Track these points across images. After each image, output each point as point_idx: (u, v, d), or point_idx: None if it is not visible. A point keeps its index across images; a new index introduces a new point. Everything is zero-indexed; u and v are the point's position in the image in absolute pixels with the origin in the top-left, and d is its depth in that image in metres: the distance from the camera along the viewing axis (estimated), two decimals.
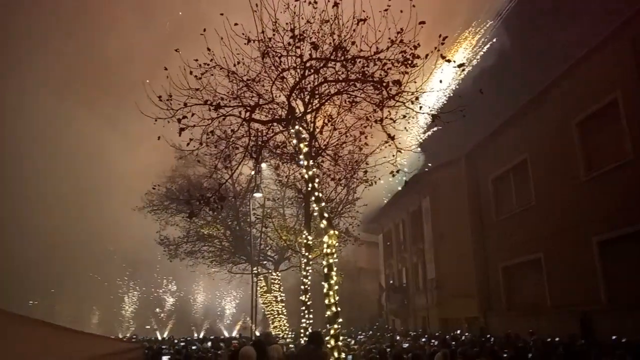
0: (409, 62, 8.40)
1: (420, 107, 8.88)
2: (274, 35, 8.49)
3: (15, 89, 30.89)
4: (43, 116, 32.35)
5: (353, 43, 8.56)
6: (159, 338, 32.80)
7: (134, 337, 28.88)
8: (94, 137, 33.16)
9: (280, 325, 22.72)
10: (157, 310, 45.02)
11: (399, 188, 28.90)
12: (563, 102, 16.17)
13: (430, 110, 9.57)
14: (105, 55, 31.09)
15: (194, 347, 17.15)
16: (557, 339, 12.48)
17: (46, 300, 38.97)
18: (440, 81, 9.47)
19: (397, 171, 9.84)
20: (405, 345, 14.85)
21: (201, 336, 31.52)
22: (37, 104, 32.08)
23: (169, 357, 12.15)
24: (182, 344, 19.62)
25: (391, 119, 9.15)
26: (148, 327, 43.53)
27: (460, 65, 9.91)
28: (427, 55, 8.23)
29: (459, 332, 19.15)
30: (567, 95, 15.99)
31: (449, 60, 8.62)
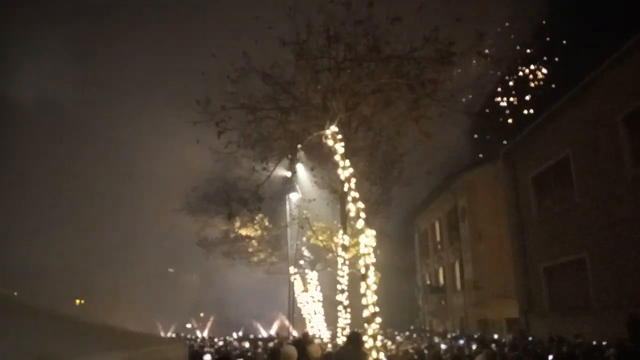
0: (445, 59, 8.31)
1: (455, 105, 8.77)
2: (308, 37, 8.57)
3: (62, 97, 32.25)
4: (91, 119, 33.66)
5: (387, 42, 8.54)
6: (199, 337, 33.51)
7: (174, 335, 29.64)
8: (135, 144, 34.18)
9: (318, 325, 22.80)
10: (197, 309, 46.05)
11: (435, 187, 28.51)
12: (608, 95, 15.57)
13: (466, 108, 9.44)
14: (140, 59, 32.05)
15: (231, 347, 17.46)
16: (604, 343, 12.04)
17: (91, 299, 40.39)
18: (478, 78, 9.35)
19: (433, 170, 9.76)
20: (444, 346, 14.64)
21: (239, 335, 32.00)
22: (84, 106, 33.41)
23: (210, 355, 12.42)
24: (220, 343, 20.00)
25: (428, 117, 9.08)
26: (189, 325, 44.62)
27: (497, 61, 9.73)
28: (463, 54, 8.13)
29: (496, 336, 18.66)
30: (612, 88, 15.39)
31: (485, 56, 8.49)
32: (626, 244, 14.57)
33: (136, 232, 36.79)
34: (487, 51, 8.85)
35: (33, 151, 33.90)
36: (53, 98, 31.72)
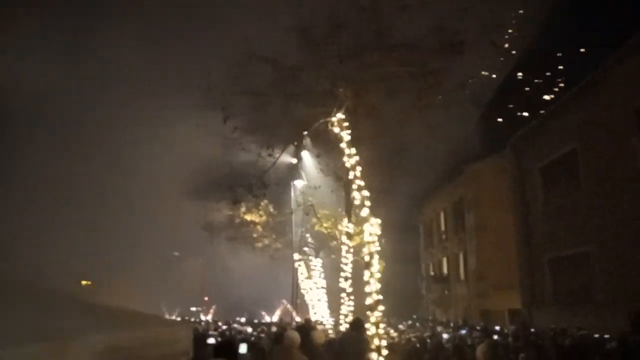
0: (455, 48, 8.24)
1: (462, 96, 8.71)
2: (314, 24, 8.51)
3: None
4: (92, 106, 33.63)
5: (393, 31, 8.47)
6: (203, 320, 33.88)
7: (179, 318, 30.03)
8: (142, 128, 34.17)
9: (321, 311, 22.96)
10: (201, 293, 46.52)
11: (441, 177, 28.46)
12: (617, 88, 15.38)
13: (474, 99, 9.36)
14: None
15: (234, 331, 17.63)
16: (605, 336, 12.05)
17: (97, 281, 40.79)
18: (484, 72, 9.26)
19: (439, 160, 9.75)
20: (446, 336, 14.72)
21: (243, 320, 32.36)
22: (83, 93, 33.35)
23: (214, 339, 12.55)
24: (224, 327, 20.21)
25: (434, 107, 9.04)
26: (193, 309, 45.14)
27: (506, 50, 9.64)
28: (468, 43, 8.06)
29: (497, 327, 18.71)
30: (621, 82, 15.19)
31: (496, 46, 8.41)
32: (631, 238, 14.50)
33: (142, 216, 37.02)
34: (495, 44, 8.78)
35: (37, 139, 33.96)
36: (50, 88, 31.68)
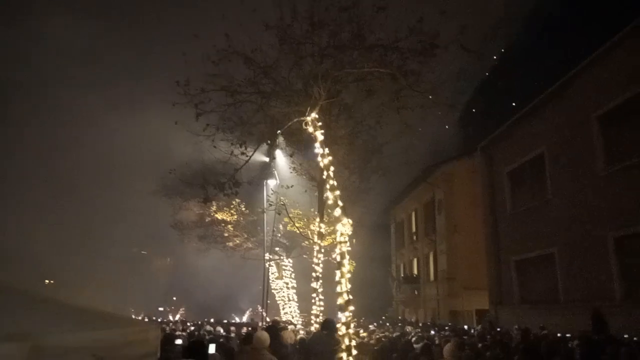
0: (428, 51, 8.32)
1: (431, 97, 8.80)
2: (292, 22, 8.47)
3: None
4: (60, 103, 32.70)
5: (371, 31, 8.50)
6: (171, 320, 33.31)
7: (146, 318, 29.42)
8: (109, 124, 33.42)
9: (291, 311, 22.91)
10: (169, 293, 45.73)
11: (413, 178, 28.79)
12: (584, 94, 15.87)
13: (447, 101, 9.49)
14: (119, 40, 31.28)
15: (203, 331, 17.37)
16: (567, 335, 12.40)
17: (60, 280, 39.65)
18: (459, 72, 9.41)
19: (412, 161, 9.83)
20: (415, 336, 14.84)
21: (212, 320, 32.01)
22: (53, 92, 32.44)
23: (182, 340, 12.30)
24: (192, 328, 19.90)
25: (409, 108, 9.11)
26: (161, 309, 44.32)
27: (478, 55, 9.79)
28: (446, 47, 8.16)
29: (465, 327, 19.05)
30: (588, 87, 15.69)
31: (468, 50, 8.53)
32: (594, 241, 14.98)
33: (109, 213, 36.21)
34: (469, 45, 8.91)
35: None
36: (20, 77, 30.70)
